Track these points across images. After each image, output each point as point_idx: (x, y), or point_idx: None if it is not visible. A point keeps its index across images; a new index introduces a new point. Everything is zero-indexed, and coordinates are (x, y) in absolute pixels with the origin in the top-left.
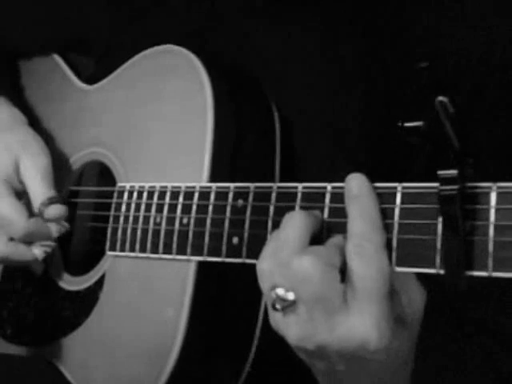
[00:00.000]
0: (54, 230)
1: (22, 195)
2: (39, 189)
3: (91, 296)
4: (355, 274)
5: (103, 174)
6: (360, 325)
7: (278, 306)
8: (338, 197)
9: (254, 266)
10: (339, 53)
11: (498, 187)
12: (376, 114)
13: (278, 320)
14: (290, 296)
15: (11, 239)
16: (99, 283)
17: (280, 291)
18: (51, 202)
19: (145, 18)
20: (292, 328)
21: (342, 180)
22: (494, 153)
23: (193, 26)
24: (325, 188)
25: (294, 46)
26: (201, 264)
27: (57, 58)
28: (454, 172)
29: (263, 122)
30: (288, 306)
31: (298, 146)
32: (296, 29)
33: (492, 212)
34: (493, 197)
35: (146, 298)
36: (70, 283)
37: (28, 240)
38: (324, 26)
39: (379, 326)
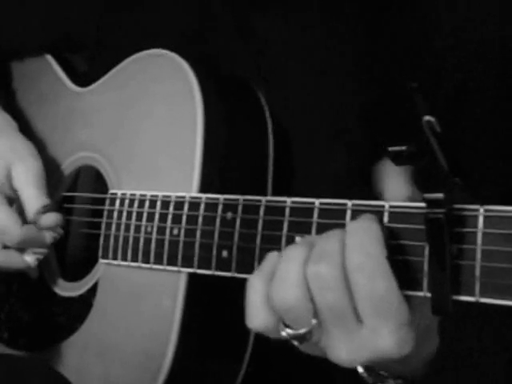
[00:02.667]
0: (48, 236)
1: (14, 201)
2: (32, 196)
3: (85, 303)
4: (360, 291)
5: (98, 178)
6: (380, 343)
7: (295, 343)
8: (326, 213)
9: None
10: (340, 52)
11: (486, 210)
12: (377, 113)
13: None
14: (302, 330)
15: (4, 246)
16: (92, 290)
17: (289, 331)
18: (45, 209)
19: (139, 17)
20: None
21: (341, 179)
22: (493, 153)
23: (191, 26)
24: (313, 203)
25: (294, 45)
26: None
27: (49, 59)
28: (440, 195)
29: (255, 128)
30: (304, 339)
31: (297, 145)
32: (296, 28)
33: (479, 236)
34: (480, 220)
35: (138, 306)
36: (65, 289)
37: (22, 247)
38: (325, 26)
39: (398, 338)
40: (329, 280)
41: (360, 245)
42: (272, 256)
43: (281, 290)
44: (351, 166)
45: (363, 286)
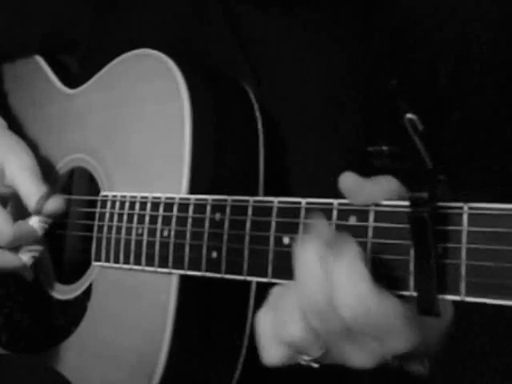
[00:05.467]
0: (39, 228)
1: (8, 199)
2: (31, 187)
3: (80, 305)
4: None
5: (91, 180)
6: (389, 347)
7: (315, 366)
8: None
9: None
10: (334, 50)
11: (470, 208)
12: (374, 114)
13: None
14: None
15: None
16: (87, 293)
17: (306, 358)
18: (47, 197)
19: (129, 18)
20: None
21: (337, 178)
22: (485, 149)
23: (184, 26)
24: (299, 203)
25: (288, 43)
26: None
27: (40, 60)
28: (424, 194)
29: (245, 126)
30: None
31: (292, 144)
32: (290, 26)
33: (464, 234)
34: (465, 218)
35: (131, 307)
36: (60, 292)
37: (15, 245)
38: (322, 26)
39: (406, 338)
40: (323, 310)
41: (345, 280)
42: (276, 290)
43: (285, 327)
44: (346, 165)
45: (360, 325)
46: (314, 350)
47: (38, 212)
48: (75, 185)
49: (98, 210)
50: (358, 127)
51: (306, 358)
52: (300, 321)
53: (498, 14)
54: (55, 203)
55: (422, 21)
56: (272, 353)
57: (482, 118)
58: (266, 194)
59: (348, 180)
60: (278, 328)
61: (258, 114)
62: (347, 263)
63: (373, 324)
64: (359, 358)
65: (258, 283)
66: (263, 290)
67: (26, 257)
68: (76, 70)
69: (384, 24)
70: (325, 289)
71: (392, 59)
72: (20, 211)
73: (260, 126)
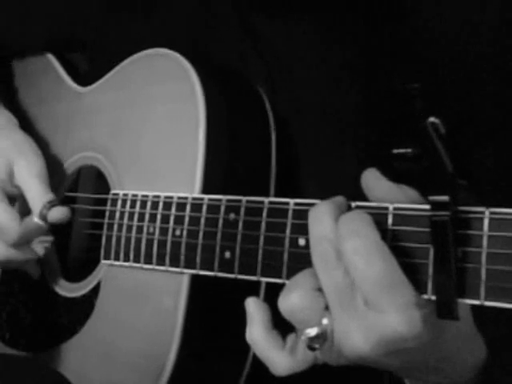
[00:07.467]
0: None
1: (15, 199)
2: (38, 192)
3: (87, 303)
4: (360, 273)
5: (100, 178)
6: (387, 321)
7: (316, 346)
8: None
9: None
10: (348, 52)
11: (491, 212)
12: (378, 108)
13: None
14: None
15: None
16: (94, 291)
17: (312, 332)
18: (52, 205)
19: (141, 17)
20: (333, 358)
21: (350, 180)
22: (495, 154)
23: (195, 27)
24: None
25: (300, 46)
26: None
27: (51, 58)
28: (445, 197)
29: (258, 128)
30: (322, 342)
31: (306, 147)
32: (302, 29)
33: (485, 238)
34: (485, 223)
35: (140, 306)
36: (67, 290)
37: (23, 242)
38: (325, 24)
39: (406, 316)
40: (330, 260)
41: (353, 230)
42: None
43: (285, 299)
44: (360, 168)
45: (362, 268)
46: (315, 315)
47: (42, 218)
48: (82, 183)
49: (108, 208)
50: (369, 128)
51: (308, 332)
52: (299, 287)
53: (498, 14)
54: (59, 213)
55: (422, 21)
56: (277, 360)
57: (483, 117)
58: (277, 194)
59: (369, 173)
60: (280, 302)
61: (270, 114)
62: (357, 216)
63: (374, 277)
64: (356, 337)
65: (267, 286)
66: (274, 294)
67: (38, 248)
68: (86, 68)
69: (384, 24)
70: (333, 239)
71: (392, 59)
72: (27, 210)
73: (272, 126)
